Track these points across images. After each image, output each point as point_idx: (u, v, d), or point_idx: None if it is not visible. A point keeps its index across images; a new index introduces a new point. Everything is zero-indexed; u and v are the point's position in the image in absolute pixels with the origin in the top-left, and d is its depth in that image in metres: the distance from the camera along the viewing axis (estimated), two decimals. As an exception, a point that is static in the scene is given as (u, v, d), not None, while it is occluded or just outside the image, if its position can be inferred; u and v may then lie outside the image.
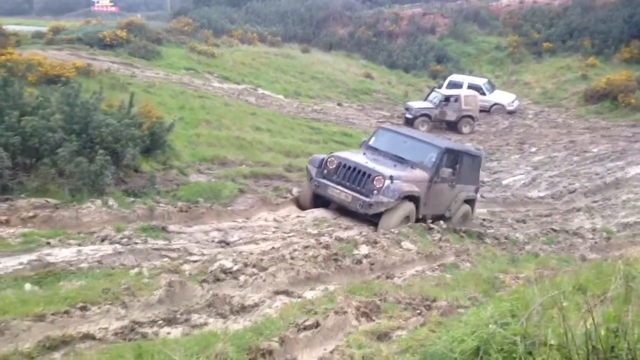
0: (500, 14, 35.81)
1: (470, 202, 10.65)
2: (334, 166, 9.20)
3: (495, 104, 23.77)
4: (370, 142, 10.28)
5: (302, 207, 9.56)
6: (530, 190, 13.70)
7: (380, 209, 8.60)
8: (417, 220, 9.28)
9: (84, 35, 20.71)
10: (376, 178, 8.71)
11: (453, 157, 9.89)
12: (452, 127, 20.75)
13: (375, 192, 8.64)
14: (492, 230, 10.37)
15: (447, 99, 20.70)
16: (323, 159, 9.42)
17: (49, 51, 17.13)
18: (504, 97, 24.28)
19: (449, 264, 7.58)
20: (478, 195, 12.60)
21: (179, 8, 36.12)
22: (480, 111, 21.92)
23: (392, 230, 8.14)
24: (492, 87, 25.03)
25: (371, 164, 9.04)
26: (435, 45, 32.96)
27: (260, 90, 20.96)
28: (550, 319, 3.04)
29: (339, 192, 8.93)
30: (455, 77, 25.05)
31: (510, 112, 23.50)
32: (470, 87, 23.36)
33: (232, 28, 30.39)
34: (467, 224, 10.36)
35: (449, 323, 3.76)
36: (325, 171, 9.28)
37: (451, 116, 20.57)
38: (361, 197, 8.69)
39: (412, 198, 9.02)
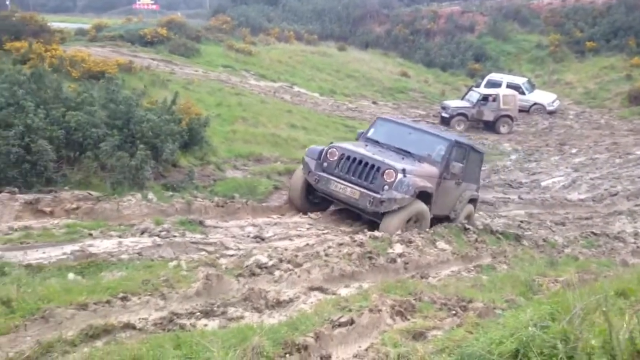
0: (542, 12, 34.99)
1: (473, 202, 9.87)
2: (336, 158, 8.22)
3: (535, 103, 23.26)
4: (369, 134, 9.23)
5: (293, 206, 8.77)
6: (570, 193, 13.38)
7: (393, 206, 7.64)
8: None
9: (125, 33, 21.20)
10: (387, 171, 7.80)
11: (461, 151, 9.05)
12: (490, 127, 20.41)
13: (386, 187, 7.72)
14: (530, 233, 10.19)
15: (485, 98, 20.37)
16: (322, 150, 8.41)
17: (92, 48, 17.60)
18: (544, 97, 23.74)
19: (485, 265, 7.49)
20: (515, 197, 12.44)
21: (218, 6, 36.49)
22: (520, 111, 21.52)
23: (427, 230, 8.05)
24: (532, 87, 24.50)
25: (379, 156, 8.10)
26: (473, 44, 32.45)
27: (296, 88, 21.06)
28: (591, 323, 2.98)
29: (344, 188, 7.96)
30: (493, 76, 24.64)
31: (551, 113, 22.97)
32: (509, 86, 22.95)
33: (269, 26, 30.61)
34: (472, 222, 9.70)
35: (486, 325, 3.72)
36: (326, 164, 8.28)
37: (489, 116, 20.23)
38: (371, 193, 7.76)
39: (424, 196, 8.09)
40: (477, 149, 9.97)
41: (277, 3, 36.61)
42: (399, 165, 7.90)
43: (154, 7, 34.60)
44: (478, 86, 23.37)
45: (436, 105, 23.44)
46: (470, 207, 9.65)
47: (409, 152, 8.62)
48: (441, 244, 7.55)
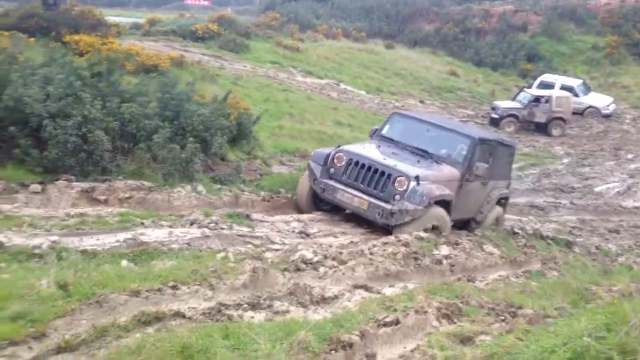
0: (599, 12, 33.69)
1: (502, 201, 9.02)
2: (343, 163, 7.54)
3: (590, 106, 22.46)
4: (384, 132, 8.43)
5: (300, 211, 8.13)
6: (625, 199, 12.86)
7: (404, 218, 6.93)
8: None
9: (177, 28, 21.65)
10: (398, 179, 7.08)
11: (487, 148, 8.17)
12: (541, 129, 19.85)
13: (397, 196, 7.01)
14: (582, 239, 9.85)
15: (537, 99, 19.82)
16: (329, 154, 7.70)
17: (146, 42, 18.06)
18: (599, 100, 22.90)
19: (535, 271, 7.32)
20: (567, 202, 12.06)
21: (268, 3, 36.86)
22: (573, 114, 20.83)
23: (476, 232, 7.91)
24: (587, 89, 23.66)
25: (390, 161, 7.37)
26: (526, 44, 31.57)
27: (342, 86, 21.04)
28: (651, 335, 2.87)
29: (352, 198, 7.28)
30: (546, 77, 23.93)
31: (606, 116, 22.13)
32: (563, 88, 22.22)
33: (317, 23, 30.68)
34: (499, 229, 8.94)
35: (537, 332, 3.63)
36: (332, 170, 7.60)
37: (540, 117, 19.68)
38: (380, 203, 7.08)
39: (442, 203, 7.37)
40: (506, 143, 9.07)
41: (326, 0, 36.64)
42: (412, 171, 7.16)
43: (206, 2, 35.25)
44: (530, 87, 22.76)
45: (485, 105, 22.97)
46: (499, 209, 8.87)
47: (426, 152, 7.84)
48: (489, 248, 7.41)
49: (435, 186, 7.21)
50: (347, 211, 7.78)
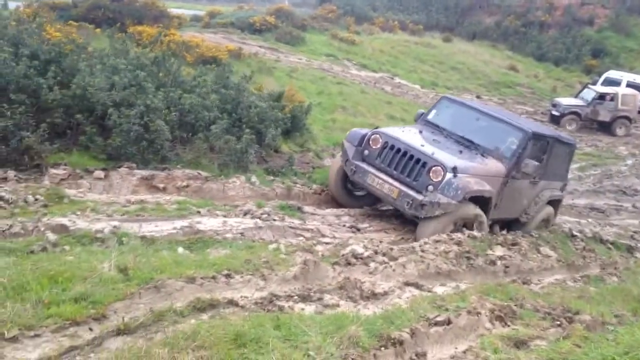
0: (673, 5, 31.95)
1: (553, 203, 8.33)
2: (379, 146, 7.10)
3: (658, 105, 21.36)
4: (430, 117, 7.94)
5: (332, 194, 7.90)
6: (693, 205, 12.18)
7: (435, 211, 6.46)
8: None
9: (236, 20, 21.97)
10: (434, 168, 6.58)
11: (540, 145, 7.55)
12: (605, 128, 19.08)
13: (430, 187, 6.52)
14: (645, 245, 9.42)
15: (601, 96, 19.03)
16: (365, 135, 7.33)
17: (205, 34, 18.43)
18: (668, 99, 21.73)
19: (593, 276, 7.06)
20: (629, 205, 11.52)
21: (325, -5, 36.85)
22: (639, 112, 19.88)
23: (533, 233, 7.67)
24: (656, 87, 22.51)
25: (429, 148, 6.86)
26: (592, 38, 30.34)
27: (397, 79, 20.82)
28: None
29: (382, 183, 6.85)
30: (612, 74, 22.90)
31: (675, 116, 21.00)
32: (630, 85, 21.23)
33: (374, 15, 30.43)
34: (548, 226, 8.37)
35: (596, 339, 3.51)
36: (367, 152, 7.20)
37: (605, 116, 18.90)
38: (411, 192, 6.62)
39: (480, 200, 6.85)
40: (564, 140, 8.27)
41: (384, -8, 36.28)
42: (450, 161, 6.62)
43: (264, -5, 35.61)
44: (594, 83, 21.86)
45: (546, 102, 22.24)
46: (548, 209, 8.21)
47: (472, 143, 7.31)
48: (545, 250, 7.20)
49: (475, 181, 6.68)
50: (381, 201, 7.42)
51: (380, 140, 7.13)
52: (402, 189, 6.71)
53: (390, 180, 6.85)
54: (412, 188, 6.70)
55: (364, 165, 7.10)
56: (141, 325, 3.35)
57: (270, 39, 20.69)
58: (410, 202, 6.59)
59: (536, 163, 7.20)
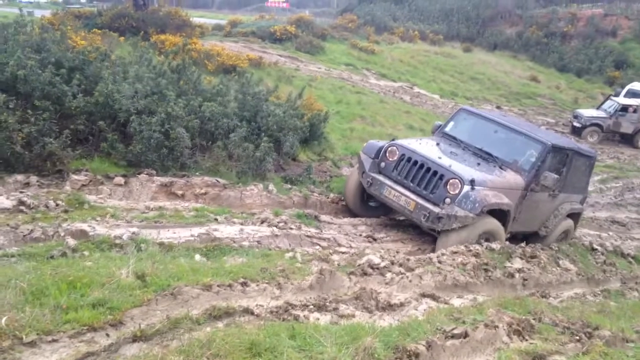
0: (698, 16, 31.44)
1: (573, 216, 8.28)
2: (395, 158, 7.08)
3: (682, 118, 20.99)
4: (447, 129, 7.90)
5: (347, 204, 7.89)
6: None
7: (452, 224, 6.44)
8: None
9: (257, 29, 22.18)
10: (451, 181, 6.55)
11: (560, 157, 7.49)
12: (627, 140, 18.79)
13: (448, 200, 6.50)
14: (668, 260, 9.22)
15: (624, 108, 18.76)
16: (381, 147, 7.30)
17: (226, 43, 18.63)
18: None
19: (614, 290, 6.94)
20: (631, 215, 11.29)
21: (346, 5, 37.03)
22: (663, 125, 19.55)
23: (552, 246, 7.56)
24: (680, 99, 22.11)
25: (446, 160, 6.84)
26: (615, 49, 29.93)
27: (416, 89, 20.77)
28: None
29: (398, 196, 6.82)
30: (635, 86, 22.51)
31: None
32: (654, 97, 20.88)
33: (394, 25, 30.46)
34: (568, 239, 8.30)
35: (616, 356, 3.44)
36: (383, 164, 7.20)
37: (627, 128, 18.62)
38: (428, 205, 6.60)
39: (498, 213, 6.81)
40: (584, 153, 8.15)
41: (404, 2, 36.31)
42: (468, 173, 6.60)
43: (285, 5, 35.90)
44: (617, 95, 21.53)
45: (567, 113, 21.99)
46: (568, 222, 8.17)
47: (490, 155, 7.27)
48: (565, 263, 7.09)
49: (492, 193, 6.61)
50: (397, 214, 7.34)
51: (397, 153, 7.11)
52: (418, 201, 6.67)
53: (407, 192, 6.81)
54: (429, 201, 6.66)
55: (381, 178, 7.08)
56: (157, 332, 3.37)
57: (291, 48, 20.83)
58: (427, 214, 6.56)
59: (555, 176, 7.07)
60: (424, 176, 6.78)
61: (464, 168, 6.75)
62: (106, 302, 3.53)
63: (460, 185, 6.49)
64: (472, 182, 6.46)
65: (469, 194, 6.41)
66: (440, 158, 6.88)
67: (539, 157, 7.15)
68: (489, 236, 6.78)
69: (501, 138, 7.51)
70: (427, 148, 7.21)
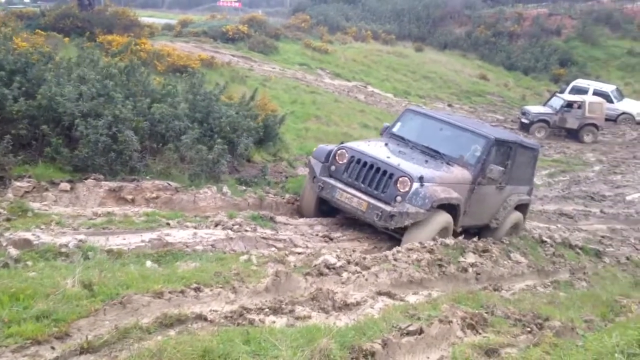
0: (636, 17, 32.89)
1: (522, 207, 8.53)
2: (345, 161, 7.13)
3: (623, 113, 22.01)
4: (395, 129, 8.00)
5: (304, 215, 7.80)
6: (658, 209, 12.50)
7: (405, 222, 6.56)
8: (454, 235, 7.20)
9: (209, 29, 21.88)
10: (401, 179, 6.66)
11: (504, 150, 7.73)
12: (573, 135, 19.50)
13: (399, 198, 6.62)
14: (612, 249, 9.62)
15: (569, 104, 19.46)
16: (331, 151, 7.34)
17: (177, 43, 18.30)
18: (633, 106, 22.40)
19: (563, 281, 7.17)
20: (597, 211, 11.74)
21: (298, 5, 36.96)
22: (606, 120, 20.45)
23: (503, 240, 7.75)
24: (621, 95, 23.15)
25: (395, 160, 6.95)
26: (559, 48, 31.03)
27: (370, 88, 20.97)
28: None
29: (350, 198, 6.87)
30: (579, 82, 23.48)
31: (640, 123, 21.62)
32: (596, 93, 21.80)
33: (347, 25, 30.63)
34: (518, 232, 8.49)
35: (565, 346, 3.53)
36: (333, 167, 7.21)
37: (572, 124, 19.32)
38: (380, 204, 6.69)
39: (448, 207, 6.97)
40: (527, 145, 8.44)
41: (357, 2, 36.53)
42: (416, 171, 6.72)
43: (237, 4, 35.52)
44: (562, 92, 22.37)
45: (516, 110, 22.67)
46: (517, 214, 8.37)
47: (437, 153, 7.42)
48: (516, 256, 7.28)
49: (442, 189, 6.77)
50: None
51: (347, 155, 7.15)
52: (370, 201, 6.74)
53: (358, 194, 6.87)
54: (380, 200, 6.74)
55: (332, 181, 7.10)
56: (105, 344, 3.25)
57: (244, 48, 20.65)
58: (380, 213, 6.64)
59: (501, 168, 7.28)
60: (374, 176, 6.86)
61: (412, 166, 6.89)
62: (51, 314, 3.38)
63: (409, 183, 6.62)
64: (421, 179, 6.59)
65: (418, 191, 6.56)
66: (389, 158, 6.98)
67: (484, 151, 7.36)
68: (444, 230, 6.93)
69: (447, 135, 7.68)
70: (376, 149, 7.30)
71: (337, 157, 7.25)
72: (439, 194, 6.65)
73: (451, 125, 7.85)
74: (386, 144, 7.59)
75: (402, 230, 6.78)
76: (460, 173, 7.20)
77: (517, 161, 8.04)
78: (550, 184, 13.83)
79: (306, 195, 7.71)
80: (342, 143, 7.56)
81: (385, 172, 6.80)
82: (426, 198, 6.53)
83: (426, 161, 7.19)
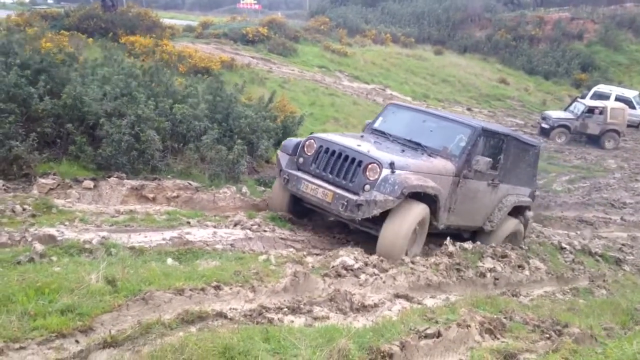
0: (661, 21, 32.44)
1: (523, 211, 7.96)
2: (313, 151, 6.65)
3: (646, 119, 21.66)
4: (376, 124, 7.51)
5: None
6: (680, 217, 12.28)
7: (372, 211, 5.95)
8: (438, 235, 6.79)
9: (229, 31, 22.03)
10: (370, 166, 6.10)
11: (494, 143, 7.15)
12: (594, 141, 19.26)
13: (367, 186, 6.05)
14: (633, 257, 9.48)
15: (590, 110, 19.23)
16: (299, 143, 6.89)
17: (198, 44, 18.47)
18: (656, 113, 22.04)
19: (582, 288, 7.09)
20: (617, 218, 11.59)
21: (317, 7, 37.07)
22: (628, 126, 20.16)
23: (522, 245, 7.68)
24: (644, 101, 22.80)
25: (365, 147, 6.41)
26: (581, 52, 30.69)
27: (388, 91, 20.93)
28: None
29: (315, 189, 6.33)
30: (601, 88, 23.17)
31: (663, 130, 21.29)
32: (619, 99, 21.46)
33: (366, 28, 30.63)
34: (517, 242, 7.82)
35: (585, 353, 3.51)
36: (301, 159, 6.74)
37: (594, 129, 19.09)
38: (346, 194, 6.12)
39: (425, 198, 6.32)
40: (524, 141, 7.82)
41: (376, 5, 36.53)
42: (387, 157, 6.14)
43: (257, 6, 35.79)
44: (584, 97, 22.10)
45: (536, 114, 22.46)
46: (516, 222, 7.74)
47: (419, 145, 6.87)
48: (535, 262, 7.23)
49: (416, 177, 6.13)
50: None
51: (315, 145, 6.67)
52: (336, 191, 6.21)
53: (324, 184, 6.36)
54: (348, 190, 6.21)
55: (298, 173, 6.62)
56: (128, 338, 3.31)
57: (263, 50, 20.76)
58: (345, 203, 6.08)
59: (488, 159, 6.72)
60: (342, 165, 6.34)
61: (383, 153, 6.36)
62: (75, 308, 3.45)
63: (379, 170, 6.07)
64: (391, 165, 6.03)
65: (388, 178, 5.97)
66: (359, 146, 6.44)
67: (469, 142, 6.80)
68: (423, 224, 6.44)
69: (430, 127, 7.18)
70: (348, 139, 6.78)
71: (305, 149, 6.77)
72: (411, 181, 6.04)
73: (434, 116, 7.42)
74: (362, 136, 7.14)
75: (378, 226, 6.22)
76: (441, 164, 6.62)
77: (513, 157, 7.50)
78: (570, 190, 13.67)
79: (275, 191, 7.21)
80: (312, 134, 7.14)
81: (353, 159, 6.26)
82: (396, 185, 5.91)
83: (403, 151, 6.69)
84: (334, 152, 6.44)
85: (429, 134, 7.03)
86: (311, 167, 6.62)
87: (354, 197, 6.05)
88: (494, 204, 7.43)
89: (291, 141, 7.09)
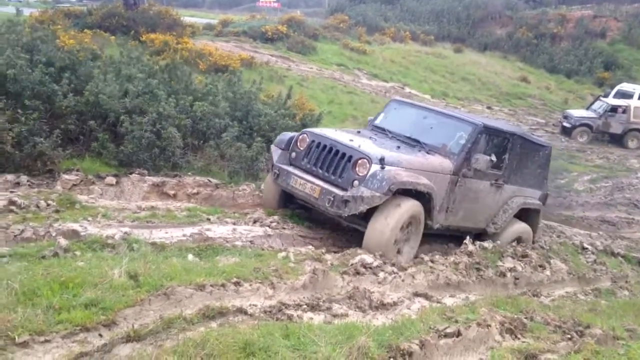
0: (685, 18, 31.78)
1: (531, 216, 7.62)
2: (305, 146, 6.54)
3: (671, 118, 21.22)
4: (377, 121, 7.41)
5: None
6: None
7: (359, 207, 5.76)
8: (435, 234, 6.62)
9: (248, 29, 22.13)
10: (359, 161, 5.95)
11: (498, 141, 6.92)
12: (617, 140, 18.97)
13: (356, 182, 5.89)
14: (657, 259, 9.33)
15: (613, 109, 18.93)
16: (292, 138, 6.78)
17: (218, 42, 18.58)
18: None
19: (605, 289, 7.00)
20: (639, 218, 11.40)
21: (336, 5, 36.99)
22: (652, 126, 19.75)
23: (543, 245, 7.60)
24: (669, 100, 22.35)
25: (357, 142, 6.22)
26: (604, 51, 30.20)
27: (407, 89, 20.83)
28: None
29: (304, 184, 6.22)
30: (625, 86, 22.75)
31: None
32: (642, 98, 21.09)
33: (385, 26, 30.51)
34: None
35: (607, 354, 3.47)
36: (293, 154, 6.62)
37: (616, 129, 18.80)
38: (334, 189, 5.98)
39: (417, 195, 6.10)
40: (533, 141, 7.51)
41: (395, 3, 36.36)
42: (377, 152, 5.96)
43: (276, 4, 35.85)
44: (606, 96, 21.73)
45: (557, 113, 22.17)
46: (523, 226, 7.49)
47: (418, 142, 6.67)
48: (556, 262, 7.14)
49: (407, 173, 5.92)
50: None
51: (307, 140, 6.55)
52: (324, 186, 6.06)
53: (312, 179, 6.23)
54: (336, 186, 6.06)
55: (289, 168, 6.51)
56: (150, 333, 3.35)
57: (282, 48, 20.82)
58: (332, 199, 5.92)
59: (488, 157, 6.46)
60: (332, 160, 6.20)
61: (375, 148, 6.19)
62: (99, 302, 3.50)
63: (368, 165, 5.90)
64: (381, 161, 5.83)
65: (376, 173, 5.78)
66: (351, 141, 6.28)
67: (469, 139, 6.57)
68: (415, 223, 6.22)
69: (431, 124, 6.99)
70: (341, 134, 6.62)
71: (298, 143, 6.66)
72: (400, 177, 5.82)
73: (435, 112, 7.21)
74: (358, 132, 6.94)
75: (366, 222, 6.03)
76: (438, 161, 6.40)
77: (520, 158, 7.23)
78: (592, 190, 13.49)
79: (266, 186, 7.13)
80: (305, 129, 7.06)
81: (344, 154, 6.12)
82: (384, 180, 5.70)
83: (398, 147, 6.45)
84: (325, 146, 6.32)
85: (429, 131, 6.86)
86: (302, 161, 6.49)
87: (341, 193, 5.90)
88: (499, 205, 7.18)
89: (285, 135, 6.97)
